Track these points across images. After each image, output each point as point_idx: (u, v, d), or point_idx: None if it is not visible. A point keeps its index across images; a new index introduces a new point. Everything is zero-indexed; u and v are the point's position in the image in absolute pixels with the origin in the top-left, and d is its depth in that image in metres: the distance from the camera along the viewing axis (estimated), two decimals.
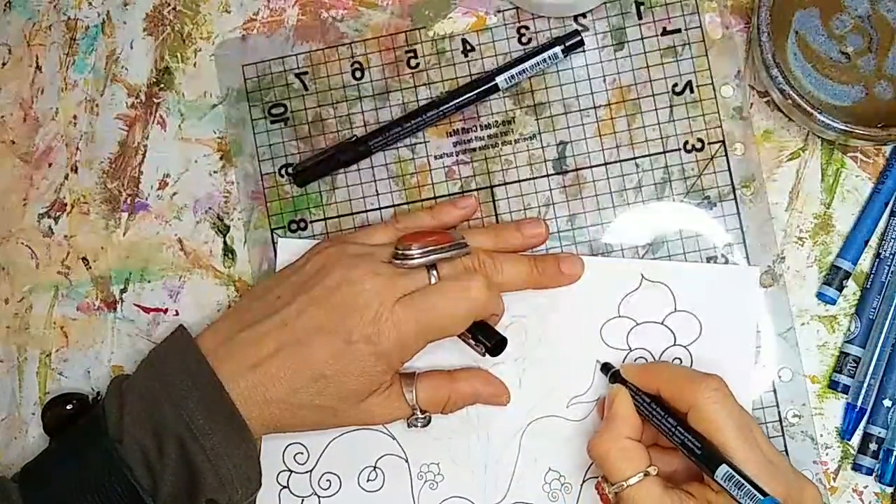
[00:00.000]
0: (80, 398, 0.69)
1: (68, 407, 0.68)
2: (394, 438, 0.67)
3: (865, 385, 0.65)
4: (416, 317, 0.61)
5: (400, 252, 0.63)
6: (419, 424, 0.66)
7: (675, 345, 0.66)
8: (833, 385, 0.66)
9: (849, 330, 0.67)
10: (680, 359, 0.66)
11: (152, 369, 0.61)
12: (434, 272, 0.63)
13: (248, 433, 0.60)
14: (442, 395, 0.65)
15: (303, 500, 0.68)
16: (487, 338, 0.63)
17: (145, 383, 0.61)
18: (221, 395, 0.59)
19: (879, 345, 0.66)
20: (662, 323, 0.66)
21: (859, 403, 0.65)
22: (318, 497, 0.68)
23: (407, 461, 0.67)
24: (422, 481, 0.67)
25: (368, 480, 0.67)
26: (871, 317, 0.66)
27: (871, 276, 0.67)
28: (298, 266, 0.65)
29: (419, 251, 0.62)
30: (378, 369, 0.61)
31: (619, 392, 0.62)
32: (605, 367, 0.66)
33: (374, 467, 0.67)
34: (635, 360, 0.66)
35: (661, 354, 0.66)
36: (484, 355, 0.64)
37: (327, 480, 0.68)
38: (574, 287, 0.67)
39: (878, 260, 0.67)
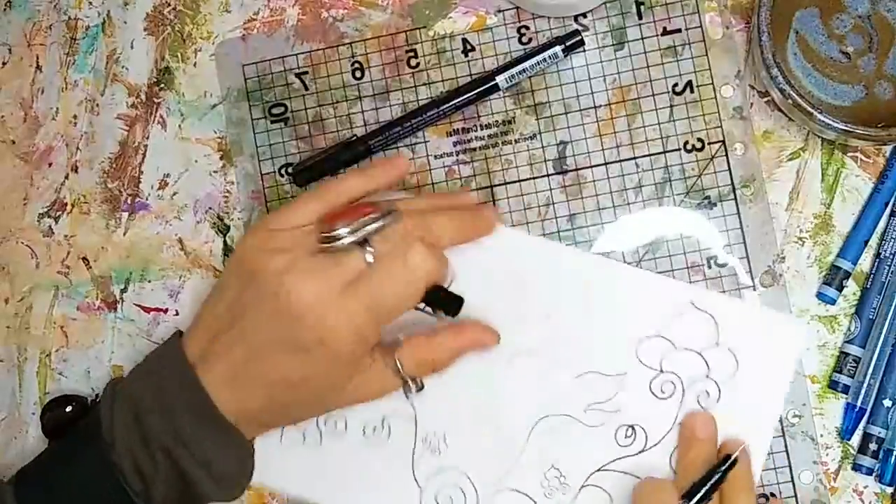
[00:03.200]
0: (78, 400, 0.69)
1: (67, 409, 0.68)
2: (408, 400, 0.66)
3: (865, 385, 0.65)
4: (366, 305, 0.57)
5: (326, 235, 0.58)
6: (413, 391, 0.63)
7: (707, 377, 0.65)
8: (833, 385, 0.66)
9: (849, 330, 0.67)
10: (707, 391, 0.65)
11: (142, 375, 0.61)
12: (369, 248, 0.58)
13: (239, 438, 0.60)
14: (426, 359, 0.62)
15: (304, 435, 0.67)
16: (441, 301, 0.60)
17: (135, 391, 0.60)
18: (208, 405, 0.58)
19: (879, 345, 0.66)
20: (700, 353, 0.65)
21: (859, 403, 0.65)
22: (321, 433, 0.67)
23: (416, 424, 0.67)
24: (426, 445, 0.67)
25: (374, 431, 0.67)
26: (871, 317, 0.66)
27: (871, 276, 0.67)
28: (232, 272, 0.61)
29: (346, 229, 0.58)
30: (343, 363, 0.59)
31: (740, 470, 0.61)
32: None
33: (383, 420, 0.67)
34: (662, 384, 0.65)
35: (691, 384, 0.65)
36: (443, 318, 0.61)
37: (334, 421, 0.67)
38: (617, 297, 0.66)
39: (878, 260, 0.67)
